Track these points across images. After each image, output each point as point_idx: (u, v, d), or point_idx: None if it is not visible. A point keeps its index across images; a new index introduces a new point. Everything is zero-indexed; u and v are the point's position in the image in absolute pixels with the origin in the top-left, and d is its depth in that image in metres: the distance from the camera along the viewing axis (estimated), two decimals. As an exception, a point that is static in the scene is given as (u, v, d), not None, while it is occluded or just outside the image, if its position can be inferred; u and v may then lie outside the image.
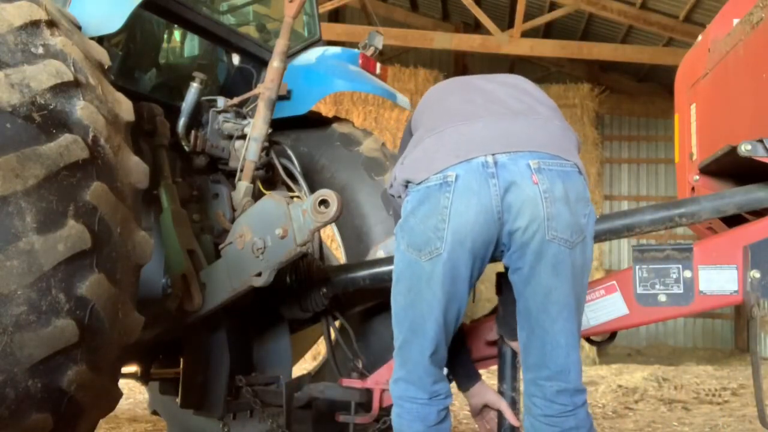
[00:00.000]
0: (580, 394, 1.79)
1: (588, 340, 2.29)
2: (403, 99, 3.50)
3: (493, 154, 1.68)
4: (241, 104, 3.02)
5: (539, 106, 1.87)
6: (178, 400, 2.82)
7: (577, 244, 1.72)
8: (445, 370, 1.97)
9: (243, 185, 2.81)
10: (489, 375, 2.37)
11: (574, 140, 1.86)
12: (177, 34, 3.26)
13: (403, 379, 1.88)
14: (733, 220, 2.32)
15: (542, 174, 1.68)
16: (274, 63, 2.86)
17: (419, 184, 1.73)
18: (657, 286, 2.08)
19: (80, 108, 1.78)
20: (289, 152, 3.15)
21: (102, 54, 2.07)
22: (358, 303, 3.04)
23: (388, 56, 10.45)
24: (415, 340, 1.82)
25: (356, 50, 3.43)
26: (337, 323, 3.01)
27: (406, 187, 1.81)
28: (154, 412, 3.55)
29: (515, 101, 1.85)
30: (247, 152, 2.82)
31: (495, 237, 1.70)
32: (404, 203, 1.82)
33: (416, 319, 1.80)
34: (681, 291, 2.07)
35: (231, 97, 2.98)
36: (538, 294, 1.74)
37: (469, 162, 1.67)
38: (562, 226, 1.69)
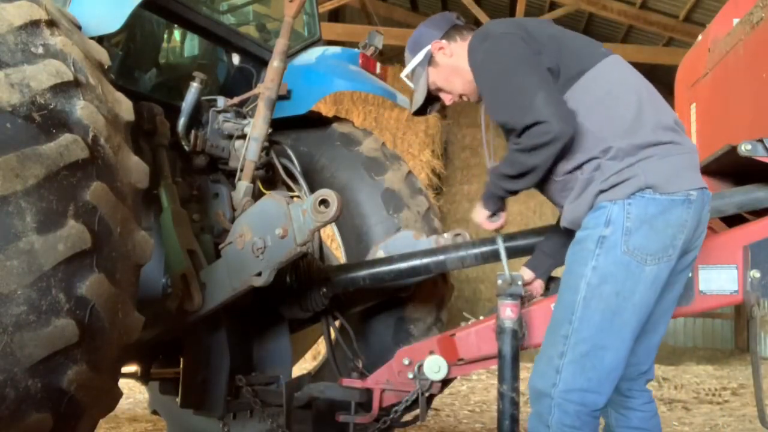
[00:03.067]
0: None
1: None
2: (403, 99, 3.49)
3: (705, 187, 1.91)
4: (241, 104, 3.02)
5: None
6: (178, 399, 2.81)
7: None
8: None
9: (243, 185, 2.81)
10: (489, 375, 2.37)
11: None
12: (177, 33, 3.26)
13: (584, 389, 1.85)
14: (732, 220, 2.32)
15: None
16: (274, 63, 2.86)
17: (663, 194, 1.82)
18: (657, 286, 2.08)
19: (80, 108, 1.78)
20: (289, 152, 3.15)
21: (102, 54, 2.07)
22: (358, 303, 3.04)
23: (388, 56, 10.44)
24: (619, 345, 1.85)
25: (356, 50, 3.43)
26: (337, 323, 3.01)
27: (635, 192, 1.82)
28: (154, 412, 3.56)
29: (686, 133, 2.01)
30: (247, 152, 2.82)
31: None
32: (627, 206, 1.82)
33: (626, 322, 1.84)
34: (681, 291, 2.07)
35: (231, 97, 2.98)
36: (668, 300, 1.97)
37: (701, 189, 1.88)
38: (700, 247, 1.96)
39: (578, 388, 1.86)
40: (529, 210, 10.07)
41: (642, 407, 2.09)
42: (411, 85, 2.30)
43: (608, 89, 1.92)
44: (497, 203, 2.09)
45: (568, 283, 1.90)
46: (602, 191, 1.86)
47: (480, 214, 2.13)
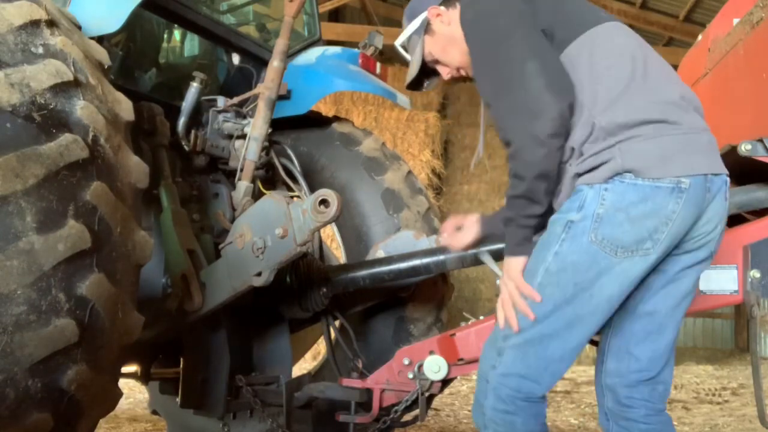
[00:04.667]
0: (666, 400, 1.85)
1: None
2: (403, 99, 3.49)
3: (711, 174, 1.68)
4: (241, 104, 3.02)
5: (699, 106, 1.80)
6: (178, 399, 2.81)
7: None
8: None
9: (243, 185, 2.81)
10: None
11: None
12: (177, 33, 3.26)
13: (522, 375, 1.72)
14: (733, 220, 2.32)
15: (728, 193, 1.73)
16: (274, 62, 2.86)
17: (645, 180, 1.61)
18: (657, 286, 2.08)
19: (80, 108, 1.78)
20: (289, 152, 3.15)
21: (102, 54, 2.07)
22: (358, 303, 3.04)
23: (388, 56, 10.44)
24: (567, 337, 1.69)
25: (356, 50, 3.43)
26: (337, 323, 3.01)
27: (612, 176, 1.63)
28: (154, 412, 3.55)
29: (701, 114, 1.77)
30: (247, 152, 2.82)
31: None
32: (602, 191, 1.63)
33: (580, 315, 1.68)
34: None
35: (231, 97, 2.98)
36: (673, 298, 1.78)
37: (698, 176, 1.65)
38: (719, 242, 1.76)
39: (516, 373, 1.72)
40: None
41: (645, 419, 1.80)
42: (406, 55, 2.13)
43: (598, 59, 1.72)
44: (527, 240, 1.74)
45: (529, 266, 1.73)
46: (579, 174, 1.68)
47: (515, 270, 1.75)
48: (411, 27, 2.06)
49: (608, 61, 1.72)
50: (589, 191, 1.65)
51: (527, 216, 1.71)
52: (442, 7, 2.00)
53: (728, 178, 1.73)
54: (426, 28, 2.03)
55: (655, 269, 1.72)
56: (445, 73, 2.06)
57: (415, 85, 2.15)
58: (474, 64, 1.84)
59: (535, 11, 1.76)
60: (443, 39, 1.99)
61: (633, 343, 1.81)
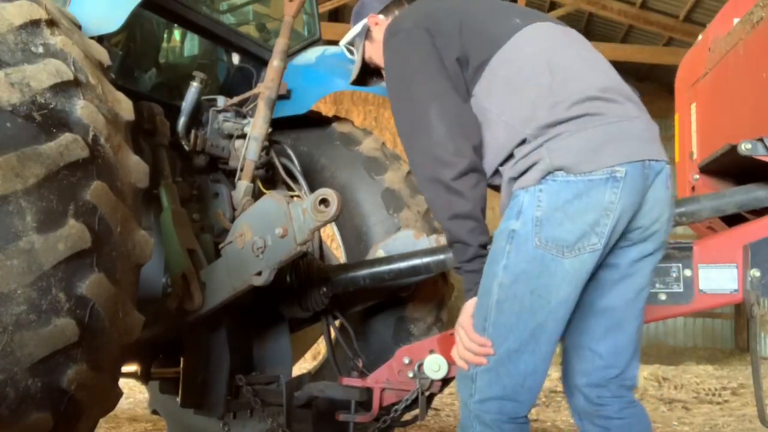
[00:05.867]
0: (632, 393, 1.84)
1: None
2: (403, 98, 3.49)
3: (649, 161, 1.65)
4: (241, 103, 3.02)
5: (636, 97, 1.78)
6: (179, 399, 2.81)
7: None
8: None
9: (243, 184, 2.81)
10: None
11: None
12: (177, 33, 3.26)
13: (500, 397, 1.69)
14: (733, 219, 2.32)
15: (669, 181, 1.72)
16: (274, 62, 2.86)
17: (577, 175, 1.59)
18: (657, 285, 2.08)
19: (80, 107, 1.78)
20: (289, 151, 3.15)
21: (102, 53, 2.07)
22: (358, 302, 3.04)
23: (388, 56, 10.41)
24: (534, 347, 1.66)
25: (356, 50, 3.43)
26: (337, 323, 3.01)
27: (545, 176, 1.62)
28: (154, 412, 3.56)
29: (634, 102, 1.75)
30: (247, 151, 2.82)
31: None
32: (538, 193, 1.62)
33: (542, 323, 1.64)
34: (681, 290, 2.07)
35: (231, 97, 2.98)
36: (629, 292, 1.75)
37: (634, 162, 1.62)
38: (668, 232, 1.74)
39: (494, 397, 1.69)
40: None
41: (619, 414, 1.79)
42: (350, 56, 2.23)
43: (517, 70, 1.71)
44: (477, 284, 1.73)
45: (482, 285, 1.70)
46: (513, 178, 1.67)
47: (466, 314, 1.76)
48: (353, 30, 2.16)
49: (524, 72, 1.71)
50: (525, 195, 1.64)
51: (467, 261, 1.73)
52: (381, 16, 2.09)
53: (669, 166, 1.71)
54: (366, 33, 2.12)
55: (606, 264, 1.71)
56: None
57: (360, 82, 2.23)
58: (389, 96, 1.87)
59: (445, 44, 1.77)
60: (380, 47, 1.97)
61: (594, 341, 1.78)
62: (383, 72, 2.07)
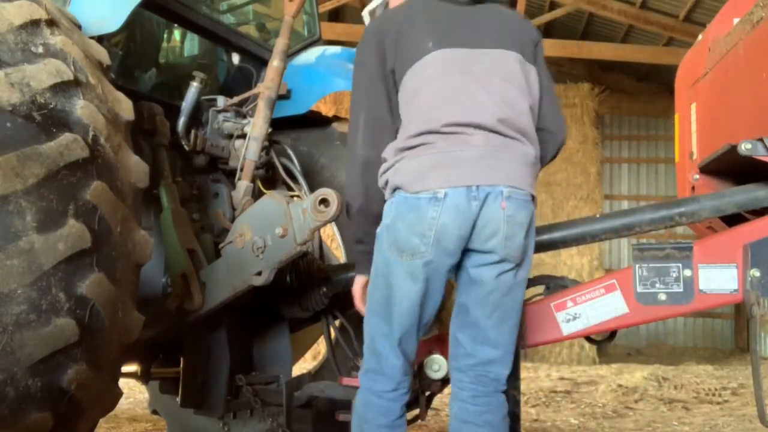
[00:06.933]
0: (501, 385, 2.01)
1: (588, 339, 2.29)
2: (403, 98, 3.49)
3: (477, 186, 1.88)
4: (241, 103, 3.02)
5: (522, 118, 1.97)
6: (179, 399, 2.82)
7: (522, 262, 1.95)
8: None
9: (243, 184, 2.81)
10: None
11: (537, 166, 2.03)
12: (177, 33, 3.26)
13: (373, 370, 2.00)
14: (732, 219, 2.32)
15: (509, 201, 1.89)
16: (274, 62, 2.87)
17: (410, 193, 1.89)
18: (657, 285, 2.09)
19: (80, 107, 1.78)
20: (289, 151, 3.15)
21: (102, 53, 2.07)
22: (358, 302, 3.04)
23: (388, 56, 10.40)
24: (390, 331, 1.96)
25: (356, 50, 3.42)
26: (337, 323, 3.01)
27: (394, 190, 1.94)
28: (154, 412, 3.55)
29: (503, 125, 1.94)
30: (247, 151, 2.82)
31: (467, 242, 1.91)
32: (390, 205, 1.95)
33: (393, 311, 1.95)
34: (681, 290, 2.07)
35: (231, 97, 2.98)
36: (479, 293, 1.96)
37: (458, 187, 1.86)
38: (516, 245, 1.91)
39: (368, 369, 2.01)
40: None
41: (471, 401, 1.99)
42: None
43: (410, 93, 1.98)
44: (361, 264, 2.14)
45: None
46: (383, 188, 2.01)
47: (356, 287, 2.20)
48: (375, 2, 2.34)
49: (417, 95, 1.97)
50: (388, 205, 1.96)
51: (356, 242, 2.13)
52: None
53: (506, 189, 1.88)
54: (386, 6, 2.29)
55: (462, 268, 1.96)
56: None
57: None
58: None
59: (385, 56, 2.02)
60: None
61: (458, 331, 2.02)
62: None
